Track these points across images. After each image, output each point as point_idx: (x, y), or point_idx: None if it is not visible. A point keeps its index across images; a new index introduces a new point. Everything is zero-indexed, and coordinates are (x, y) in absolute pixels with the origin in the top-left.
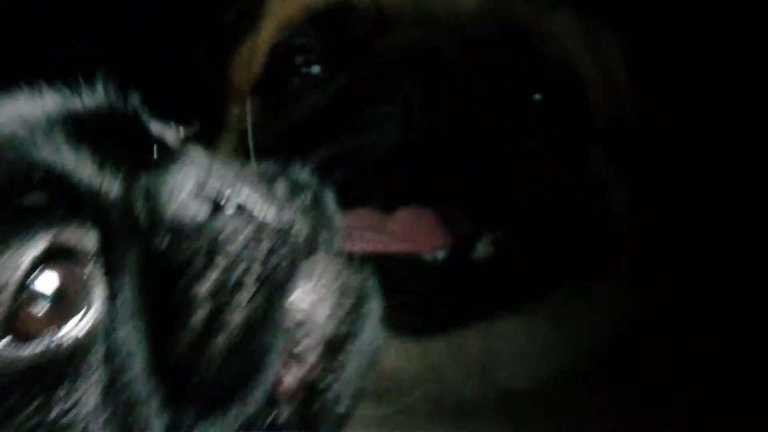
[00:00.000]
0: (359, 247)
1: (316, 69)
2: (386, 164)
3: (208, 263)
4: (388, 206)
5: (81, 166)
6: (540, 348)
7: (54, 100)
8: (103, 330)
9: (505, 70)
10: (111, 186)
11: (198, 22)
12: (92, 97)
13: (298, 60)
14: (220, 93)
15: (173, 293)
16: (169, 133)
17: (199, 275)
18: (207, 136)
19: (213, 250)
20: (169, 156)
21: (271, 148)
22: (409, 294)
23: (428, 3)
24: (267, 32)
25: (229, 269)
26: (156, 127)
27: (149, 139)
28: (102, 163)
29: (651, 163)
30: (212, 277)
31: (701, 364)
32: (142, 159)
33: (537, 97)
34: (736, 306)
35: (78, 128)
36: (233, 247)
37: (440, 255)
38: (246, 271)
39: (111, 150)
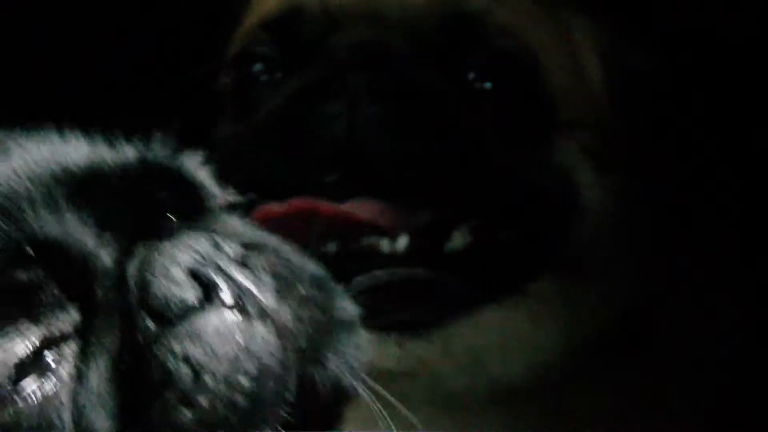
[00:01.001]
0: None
1: (274, 75)
2: (335, 160)
3: (187, 360)
4: (339, 199)
5: (77, 233)
6: (525, 341)
7: (62, 146)
8: (71, 400)
9: (454, 62)
10: (105, 256)
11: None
12: (106, 145)
13: (257, 68)
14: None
15: (146, 383)
16: (207, 192)
17: (176, 374)
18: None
19: (196, 343)
20: (183, 221)
21: (240, 157)
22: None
23: (376, 0)
24: (233, 43)
25: (209, 371)
26: (191, 181)
27: (166, 198)
28: (102, 227)
29: (627, 156)
30: (188, 376)
31: (693, 356)
32: (148, 223)
33: (487, 85)
34: (719, 297)
35: (84, 184)
36: (220, 346)
37: (402, 243)
38: (229, 383)
39: (115, 212)
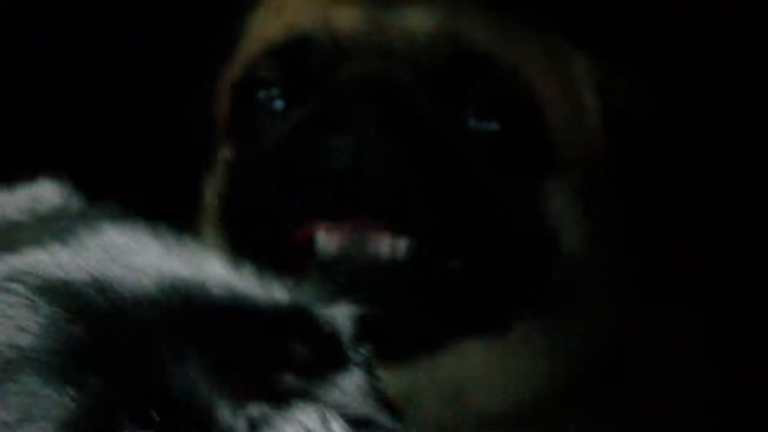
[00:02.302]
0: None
1: (278, 103)
2: (340, 192)
3: None
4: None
5: (200, 388)
6: (507, 374)
7: (193, 262)
8: None
9: (459, 100)
10: (214, 416)
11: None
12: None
13: (261, 95)
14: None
15: None
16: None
17: None
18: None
19: None
20: (306, 380)
21: (247, 185)
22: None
23: (385, 32)
24: (231, 71)
25: None
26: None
27: (300, 353)
28: (221, 376)
29: (613, 200)
30: None
31: (675, 386)
32: (268, 381)
33: (490, 126)
34: (693, 336)
35: (218, 326)
36: None
37: (401, 253)
38: None
39: (240, 362)
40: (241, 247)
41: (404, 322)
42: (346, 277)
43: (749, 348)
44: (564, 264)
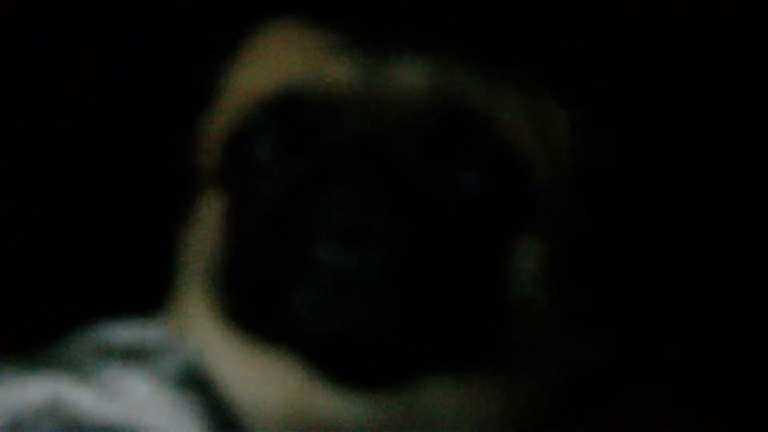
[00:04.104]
0: None
1: (271, 156)
2: (336, 244)
3: None
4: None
5: None
6: (480, 407)
7: None
8: None
9: (449, 158)
10: None
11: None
12: None
13: (255, 148)
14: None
15: None
16: None
17: None
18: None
19: None
20: None
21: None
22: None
23: (377, 88)
24: (222, 118)
25: None
26: None
27: None
28: None
29: (587, 252)
30: None
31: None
32: None
33: (479, 183)
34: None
35: None
36: None
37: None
38: None
39: None
40: (237, 300)
41: (380, 359)
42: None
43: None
44: (529, 313)
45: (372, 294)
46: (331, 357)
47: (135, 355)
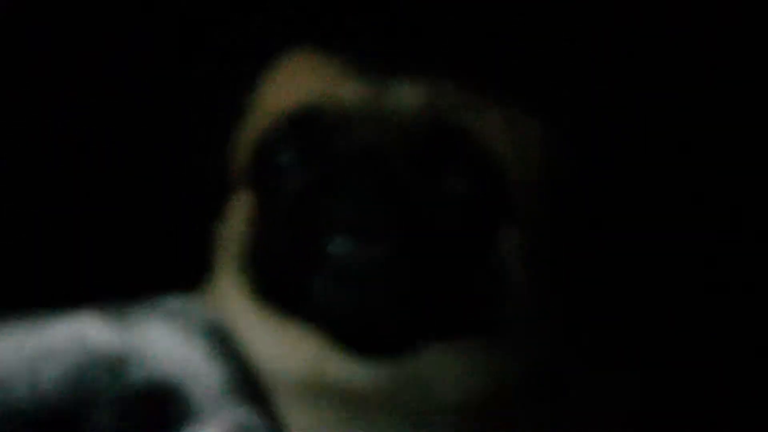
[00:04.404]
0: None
1: (293, 162)
2: (343, 237)
3: None
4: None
5: None
6: (466, 374)
7: None
8: None
9: (437, 167)
10: None
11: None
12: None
13: (278, 155)
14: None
15: None
16: None
17: None
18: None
19: None
20: None
21: (265, 230)
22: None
23: (380, 106)
24: (250, 129)
25: None
26: None
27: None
28: None
29: (558, 243)
30: None
31: (613, 401)
32: None
33: (463, 187)
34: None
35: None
36: None
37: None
38: None
39: None
40: (264, 282)
41: (385, 332)
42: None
43: (673, 364)
44: (512, 294)
45: (376, 279)
46: (344, 330)
47: (169, 312)
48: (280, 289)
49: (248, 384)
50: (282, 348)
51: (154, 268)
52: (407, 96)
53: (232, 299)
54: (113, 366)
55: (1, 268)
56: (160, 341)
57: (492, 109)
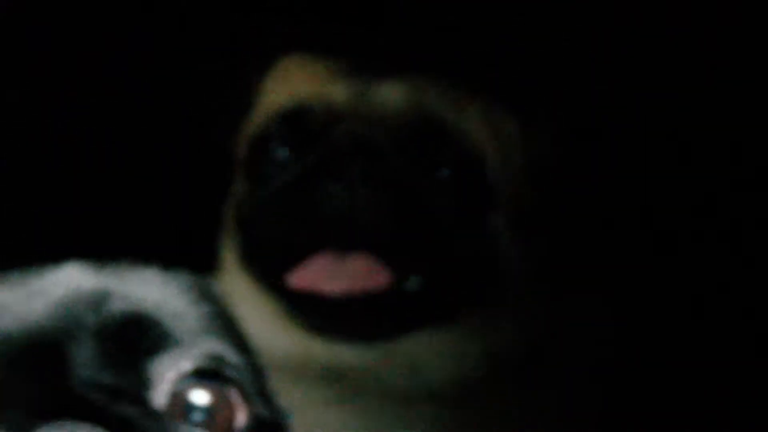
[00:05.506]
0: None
1: (285, 155)
2: (338, 227)
3: None
4: (342, 255)
5: None
6: (453, 356)
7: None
8: None
9: (423, 156)
10: None
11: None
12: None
13: (272, 146)
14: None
15: None
16: None
17: None
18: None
19: None
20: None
21: (256, 219)
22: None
23: (367, 103)
24: (249, 126)
25: None
26: None
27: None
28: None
29: (541, 224)
30: None
31: (579, 373)
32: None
33: (446, 174)
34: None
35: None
36: None
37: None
38: None
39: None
40: (257, 264)
41: (380, 317)
42: None
43: (653, 340)
44: (500, 276)
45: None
46: (331, 319)
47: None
48: (272, 272)
49: (227, 327)
50: (272, 327)
51: (165, 253)
52: (391, 94)
53: (231, 277)
54: (97, 302)
55: (5, 258)
56: (144, 285)
57: (472, 106)
